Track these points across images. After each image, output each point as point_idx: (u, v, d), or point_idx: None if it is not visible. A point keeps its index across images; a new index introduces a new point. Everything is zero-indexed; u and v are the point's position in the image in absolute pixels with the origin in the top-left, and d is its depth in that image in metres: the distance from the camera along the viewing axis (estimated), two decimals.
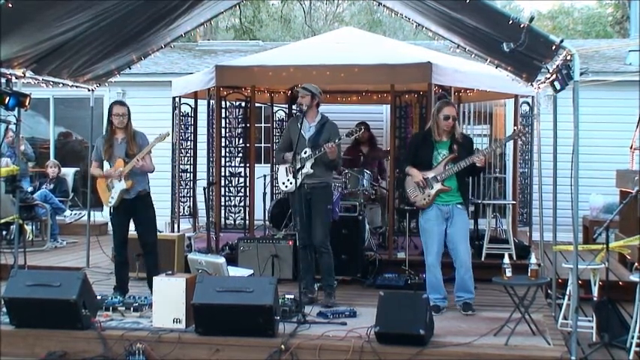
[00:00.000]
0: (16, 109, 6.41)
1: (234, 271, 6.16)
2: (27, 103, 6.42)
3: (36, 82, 7.03)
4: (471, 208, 7.90)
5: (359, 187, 8.18)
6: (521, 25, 4.91)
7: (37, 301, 5.28)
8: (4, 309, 5.43)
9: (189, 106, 9.60)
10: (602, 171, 9.53)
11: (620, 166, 8.89)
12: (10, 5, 5.00)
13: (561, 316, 5.92)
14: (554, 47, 4.97)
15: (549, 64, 5.61)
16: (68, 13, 5.80)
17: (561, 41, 4.88)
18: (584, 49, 11.00)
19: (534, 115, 8.60)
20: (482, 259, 7.43)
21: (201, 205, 9.27)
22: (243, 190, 8.60)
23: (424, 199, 5.98)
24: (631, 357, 5.16)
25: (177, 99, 9.41)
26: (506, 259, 5.38)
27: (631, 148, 9.08)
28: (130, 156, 6.34)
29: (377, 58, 7.99)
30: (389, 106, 9.00)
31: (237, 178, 8.67)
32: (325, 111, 6.52)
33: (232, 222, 8.66)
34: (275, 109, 10.62)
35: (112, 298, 5.92)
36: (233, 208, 8.65)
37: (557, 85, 5.29)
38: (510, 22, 4.99)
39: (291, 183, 6.26)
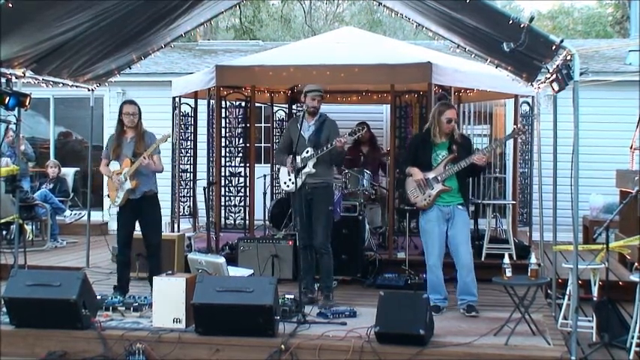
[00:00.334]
0: (16, 108, 6.41)
1: (234, 271, 6.16)
2: (27, 103, 6.42)
3: (36, 81, 7.03)
4: (471, 208, 7.91)
5: (359, 187, 8.18)
6: (522, 25, 4.91)
7: (37, 300, 5.28)
8: (4, 309, 5.43)
9: (190, 105, 9.60)
10: (602, 171, 9.53)
11: (620, 166, 8.89)
12: (10, 5, 5.01)
13: (561, 316, 5.93)
14: (554, 47, 4.97)
15: (549, 64, 5.61)
16: (68, 13, 5.80)
17: (561, 41, 4.88)
18: (584, 49, 11.00)
19: (534, 115, 8.60)
20: (483, 259, 7.43)
21: (201, 205, 9.27)
22: (243, 190, 8.60)
23: (425, 200, 5.97)
24: (631, 357, 5.16)
25: (177, 99, 9.41)
26: (506, 259, 5.39)
27: (631, 148, 9.07)
28: (137, 155, 6.32)
29: (377, 58, 8.00)
30: (389, 106, 9.01)
31: (237, 178, 8.66)
32: (325, 111, 6.52)
33: (232, 222, 8.66)
34: (275, 108, 10.62)
35: (111, 298, 5.92)
36: (233, 208, 8.65)
37: (557, 85, 5.29)
38: (510, 22, 4.99)
39: (292, 183, 6.24)
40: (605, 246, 5.58)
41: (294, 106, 10.58)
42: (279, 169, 6.89)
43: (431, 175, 5.94)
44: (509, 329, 5.10)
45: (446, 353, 4.83)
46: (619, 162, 9.17)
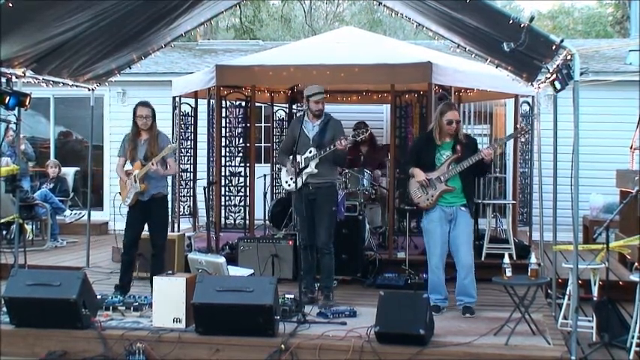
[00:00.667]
0: (17, 108, 6.41)
1: (234, 271, 6.16)
2: (27, 103, 6.42)
3: (36, 81, 7.03)
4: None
5: (359, 186, 8.18)
6: (522, 25, 4.91)
7: (37, 300, 5.28)
8: (4, 308, 5.43)
9: (190, 105, 9.60)
10: (602, 171, 9.53)
11: (621, 165, 8.89)
12: (10, 5, 5.01)
13: (561, 315, 5.93)
14: (554, 47, 4.97)
15: (549, 64, 5.61)
16: (68, 12, 5.80)
17: (561, 41, 4.88)
18: (584, 49, 10.99)
19: (534, 114, 8.60)
20: (483, 258, 7.43)
21: (201, 205, 9.26)
22: (243, 190, 8.59)
23: (427, 200, 5.97)
24: (631, 357, 5.16)
25: (177, 98, 9.41)
26: (506, 259, 5.39)
27: (631, 148, 9.08)
28: (148, 158, 6.39)
29: (377, 58, 7.99)
30: (389, 105, 9.00)
31: (237, 178, 8.66)
32: (325, 110, 6.51)
33: (232, 222, 8.66)
34: (275, 108, 10.62)
35: (112, 298, 5.92)
36: (233, 208, 8.65)
37: (558, 85, 5.29)
38: (510, 21, 4.99)
39: (294, 182, 6.22)
40: (605, 246, 5.58)
41: (294, 106, 10.58)
42: (279, 169, 6.88)
43: (434, 175, 5.93)
44: (510, 329, 5.10)
45: (446, 353, 4.83)
46: (619, 162, 9.17)
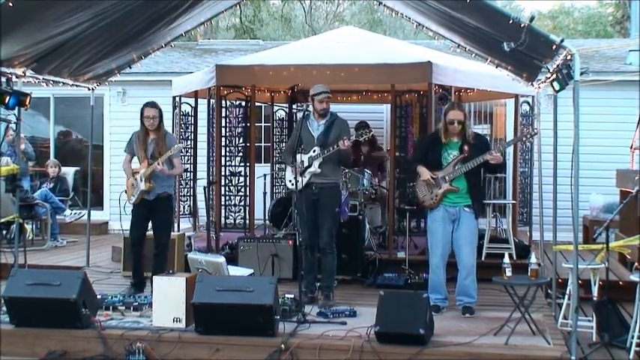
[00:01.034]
0: (17, 108, 6.41)
1: (234, 271, 6.15)
2: (27, 103, 6.42)
3: (36, 81, 7.03)
4: None
5: (359, 186, 8.18)
6: (522, 25, 4.91)
7: (37, 300, 5.28)
8: (4, 308, 5.43)
9: (190, 105, 9.60)
10: (602, 171, 9.53)
11: (621, 165, 8.88)
12: (10, 5, 5.01)
13: (561, 315, 5.93)
14: (554, 47, 4.97)
15: (550, 64, 5.61)
16: (68, 12, 5.80)
17: (562, 41, 4.88)
18: (584, 49, 11.00)
19: (534, 114, 8.60)
20: (483, 258, 7.42)
21: (201, 205, 9.27)
22: (243, 190, 8.59)
23: (431, 199, 5.98)
24: (631, 357, 5.16)
25: (177, 98, 9.40)
26: (506, 259, 5.38)
27: (631, 147, 9.08)
28: (155, 158, 6.47)
29: (377, 58, 7.99)
30: (389, 105, 9.00)
31: (237, 178, 8.66)
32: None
33: (232, 221, 8.66)
34: (275, 108, 10.62)
35: (112, 298, 5.92)
36: (233, 208, 8.65)
37: (558, 85, 5.29)
38: (511, 21, 4.99)
39: (298, 181, 6.23)
40: (605, 246, 5.58)
41: (294, 106, 10.58)
42: (284, 168, 6.88)
43: (440, 174, 5.94)
44: (509, 329, 5.10)
45: (446, 353, 4.83)
46: (619, 162, 9.17)
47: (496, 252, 7.38)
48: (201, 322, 5.13)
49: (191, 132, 9.59)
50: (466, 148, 5.89)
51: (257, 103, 9.25)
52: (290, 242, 7.31)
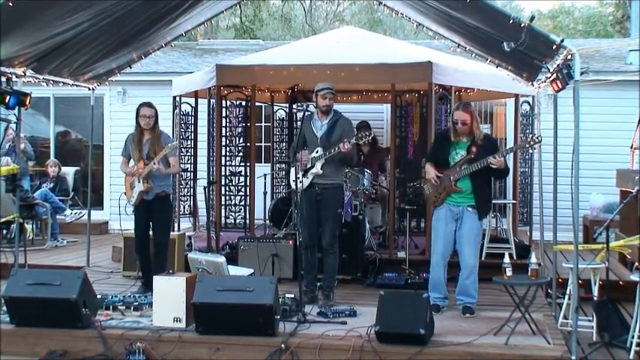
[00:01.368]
0: (17, 108, 6.41)
1: (234, 271, 6.15)
2: (27, 102, 6.42)
3: (36, 81, 7.03)
4: None
5: (359, 186, 8.18)
6: (522, 25, 4.91)
7: (37, 300, 5.28)
8: (5, 308, 5.43)
9: (190, 105, 9.60)
10: (602, 170, 9.54)
11: (621, 165, 8.88)
12: (10, 4, 5.01)
13: (561, 315, 5.93)
14: (554, 47, 4.97)
15: (550, 64, 5.60)
16: (68, 12, 5.80)
17: (562, 41, 4.88)
18: (584, 49, 10.99)
19: (535, 114, 8.60)
20: (483, 258, 7.41)
21: (201, 205, 9.26)
22: (243, 190, 8.59)
23: (435, 197, 6.02)
24: (631, 356, 5.16)
25: (177, 98, 9.41)
26: (507, 259, 5.39)
27: (631, 147, 9.07)
28: (151, 158, 6.49)
29: (377, 58, 7.99)
30: (389, 105, 9.00)
31: (237, 177, 8.66)
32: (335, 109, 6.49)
33: (232, 221, 8.66)
34: (275, 108, 10.62)
35: (112, 297, 5.92)
36: (233, 207, 8.65)
37: (558, 85, 5.29)
38: (511, 21, 4.99)
39: (301, 182, 6.23)
40: (605, 245, 5.58)
41: (294, 106, 10.58)
42: (290, 167, 6.87)
43: (446, 173, 5.95)
44: (510, 329, 5.10)
45: (446, 353, 4.83)
46: (619, 161, 9.16)
47: (496, 252, 7.39)
48: (202, 321, 5.13)
49: (191, 132, 9.59)
50: (474, 149, 5.88)
51: (257, 103, 9.24)
52: (290, 242, 7.31)
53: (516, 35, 4.99)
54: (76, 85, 7.78)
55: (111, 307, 5.77)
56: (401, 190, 7.96)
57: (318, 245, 6.31)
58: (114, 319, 5.56)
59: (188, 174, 9.57)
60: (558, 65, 5.21)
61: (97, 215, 10.43)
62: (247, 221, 8.47)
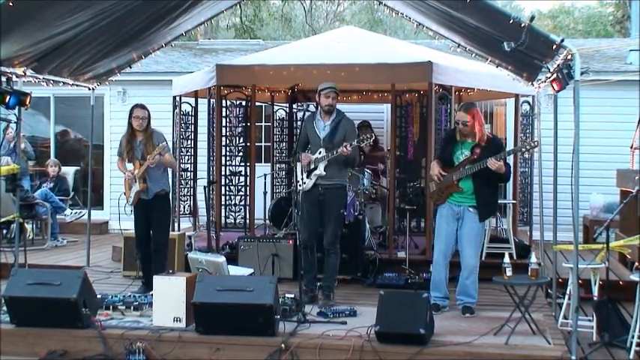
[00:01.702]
0: (17, 107, 6.42)
1: (234, 270, 6.16)
2: (27, 102, 6.43)
3: (36, 80, 7.03)
4: None
5: (359, 186, 8.18)
6: (522, 25, 4.91)
7: (37, 299, 5.28)
8: (5, 308, 5.43)
9: (190, 105, 9.60)
10: (602, 170, 9.54)
11: (621, 165, 8.88)
12: (10, 4, 5.01)
13: (561, 315, 5.93)
14: (554, 47, 4.97)
15: (550, 64, 5.60)
16: (68, 12, 5.80)
17: (562, 41, 4.88)
18: (584, 49, 10.99)
19: (535, 114, 8.60)
20: (483, 258, 7.40)
21: (201, 204, 9.26)
22: (243, 189, 8.59)
23: (437, 195, 6.06)
24: (631, 356, 5.16)
25: (177, 98, 9.40)
26: (507, 259, 5.39)
27: (631, 147, 9.06)
28: (145, 158, 6.51)
29: (377, 58, 7.99)
30: (389, 105, 9.00)
31: (237, 177, 8.66)
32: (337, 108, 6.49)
33: (233, 221, 8.66)
34: (276, 108, 10.61)
35: (112, 297, 5.92)
36: (233, 207, 8.65)
37: (558, 85, 5.28)
38: (511, 21, 4.99)
39: (304, 182, 6.23)
40: (605, 245, 5.58)
41: (294, 105, 10.58)
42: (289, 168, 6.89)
43: (449, 172, 5.97)
44: (510, 329, 5.10)
45: (446, 353, 4.83)
46: (619, 161, 9.16)
47: (496, 252, 7.39)
48: (202, 321, 5.13)
49: (191, 132, 9.58)
50: (477, 150, 5.88)
51: (257, 103, 9.24)
52: (290, 242, 7.31)
53: (516, 35, 4.99)
54: (76, 85, 7.77)
55: (111, 307, 5.77)
56: (401, 190, 7.96)
57: (318, 245, 6.31)
58: (114, 318, 5.56)
59: (188, 174, 9.57)
60: (558, 65, 5.21)
61: (97, 215, 10.43)
62: (247, 221, 8.47)
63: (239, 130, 8.74)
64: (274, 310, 5.05)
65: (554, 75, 5.35)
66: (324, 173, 6.18)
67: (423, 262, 7.25)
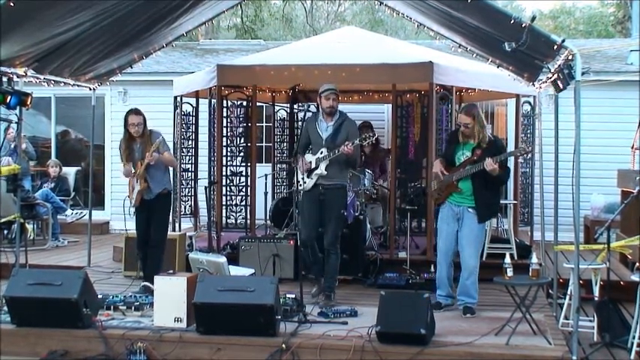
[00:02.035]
0: (18, 108, 6.43)
1: (235, 271, 6.16)
2: (28, 102, 6.44)
3: (37, 81, 7.03)
4: None
5: (360, 186, 8.18)
6: (523, 25, 4.91)
7: (38, 300, 5.29)
8: (5, 308, 5.43)
9: (191, 105, 9.60)
10: (603, 171, 9.54)
11: (622, 165, 8.88)
12: (11, 4, 5.01)
13: (562, 315, 5.92)
14: (555, 47, 4.96)
15: (551, 64, 5.60)
16: (69, 12, 5.80)
17: (563, 41, 4.88)
18: (585, 49, 10.97)
19: (536, 114, 8.60)
20: (484, 258, 7.40)
21: (202, 205, 9.27)
22: (244, 190, 8.59)
23: (438, 194, 6.10)
24: (632, 357, 5.15)
25: (178, 98, 9.41)
26: (508, 259, 5.39)
27: (632, 147, 9.06)
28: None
29: (378, 58, 7.99)
30: (390, 105, 9.00)
31: (238, 178, 8.66)
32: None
33: (233, 221, 8.66)
34: (276, 108, 10.61)
35: (113, 297, 5.93)
36: (234, 208, 8.65)
37: (559, 85, 5.28)
38: (512, 21, 4.98)
39: (305, 182, 6.24)
40: (606, 246, 5.57)
41: (295, 106, 10.58)
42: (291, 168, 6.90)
43: (450, 172, 6.00)
44: (511, 329, 5.10)
45: (447, 353, 4.84)
46: (620, 162, 9.16)
47: (497, 252, 7.37)
48: (203, 321, 5.13)
49: (192, 132, 9.58)
50: (478, 151, 5.89)
51: (258, 103, 9.23)
52: (291, 242, 7.31)
53: (517, 35, 4.99)
54: (77, 85, 7.78)
55: (112, 307, 5.77)
56: (402, 191, 7.96)
57: (318, 245, 6.31)
58: (115, 319, 5.56)
59: (189, 174, 9.57)
60: (559, 65, 5.21)
61: (98, 215, 10.43)
62: (248, 221, 8.47)
63: (240, 130, 8.74)
64: (275, 311, 5.05)
65: (555, 75, 5.35)
66: (326, 173, 6.18)
67: (424, 263, 7.24)
